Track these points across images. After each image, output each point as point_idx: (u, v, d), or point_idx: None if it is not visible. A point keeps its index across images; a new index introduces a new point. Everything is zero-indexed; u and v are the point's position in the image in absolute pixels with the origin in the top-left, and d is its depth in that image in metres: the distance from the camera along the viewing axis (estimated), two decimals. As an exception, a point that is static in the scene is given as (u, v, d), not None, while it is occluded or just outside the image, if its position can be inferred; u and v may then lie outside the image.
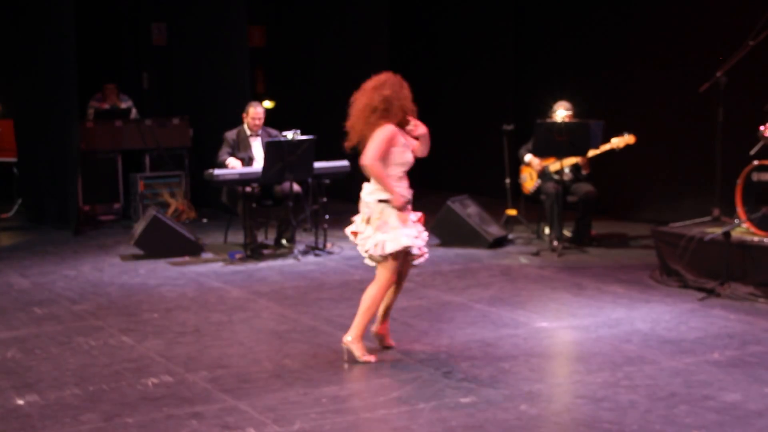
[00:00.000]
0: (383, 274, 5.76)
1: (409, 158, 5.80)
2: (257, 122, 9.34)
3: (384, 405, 5.01)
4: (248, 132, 9.37)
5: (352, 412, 4.90)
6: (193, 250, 9.15)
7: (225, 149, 9.27)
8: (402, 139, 5.78)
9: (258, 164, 9.07)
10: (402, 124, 5.78)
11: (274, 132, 9.41)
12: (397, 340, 6.15)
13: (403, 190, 5.76)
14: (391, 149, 5.72)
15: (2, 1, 11.27)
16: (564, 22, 11.51)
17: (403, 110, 5.76)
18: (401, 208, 5.71)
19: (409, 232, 5.74)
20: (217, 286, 7.91)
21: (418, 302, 7.21)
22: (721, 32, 9.26)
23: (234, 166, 9.06)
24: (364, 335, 5.83)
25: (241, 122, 9.44)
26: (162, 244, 9.03)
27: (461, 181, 12.46)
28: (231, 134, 9.36)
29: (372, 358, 5.75)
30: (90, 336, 6.42)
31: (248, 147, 9.32)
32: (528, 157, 9.42)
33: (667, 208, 9.93)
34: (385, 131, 5.69)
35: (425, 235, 5.90)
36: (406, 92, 5.79)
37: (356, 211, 5.83)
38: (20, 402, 5.15)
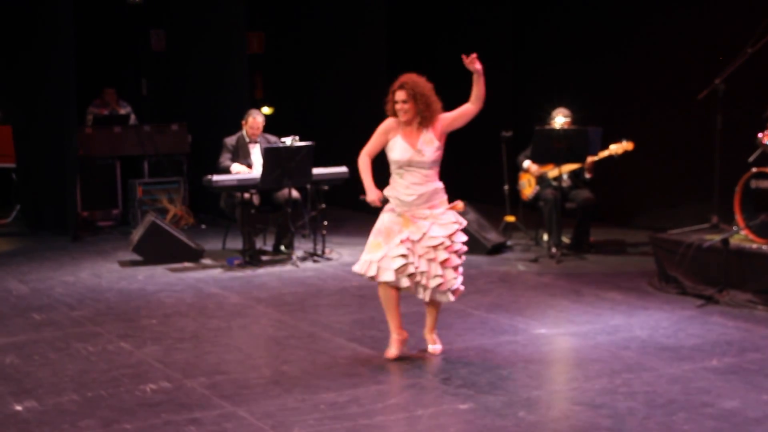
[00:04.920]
0: None
1: (399, 157, 5.79)
2: (256, 131, 9.34)
3: (382, 411, 5.01)
4: (247, 139, 9.38)
5: (351, 418, 4.90)
6: (191, 256, 9.15)
7: (226, 155, 9.27)
8: (400, 138, 5.81)
9: (257, 171, 9.07)
10: (422, 122, 5.83)
11: (272, 138, 9.41)
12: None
13: (397, 189, 5.84)
14: (386, 145, 5.87)
15: (2, 7, 11.27)
16: (562, 29, 11.52)
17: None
18: (371, 203, 5.91)
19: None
20: (216, 292, 7.91)
21: (416, 309, 7.18)
22: (720, 39, 9.27)
23: (240, 171, 9.06)
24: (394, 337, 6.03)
25: (240, 129, 9.45)
26: (161, 250, 9.03)
27: (460, 187, 12.45)
28: (231, 140, 9.37)
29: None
30: (88, 342, 6.42)
31: (248, 154, 9.32)
32: (526, 164, 9.43)
33: (665, 215, 9.94)
34: (383, 124, 5.94)
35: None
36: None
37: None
38: (18, 408, 5.14)
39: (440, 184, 5.92)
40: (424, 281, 5.80)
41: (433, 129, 5.83)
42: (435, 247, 5.75)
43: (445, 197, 5.93)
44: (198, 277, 8.47)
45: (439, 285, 5.80)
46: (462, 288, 5.97)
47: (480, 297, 7.57)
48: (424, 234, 5.75)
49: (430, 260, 5.77)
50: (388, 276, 5.74)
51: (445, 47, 13.13)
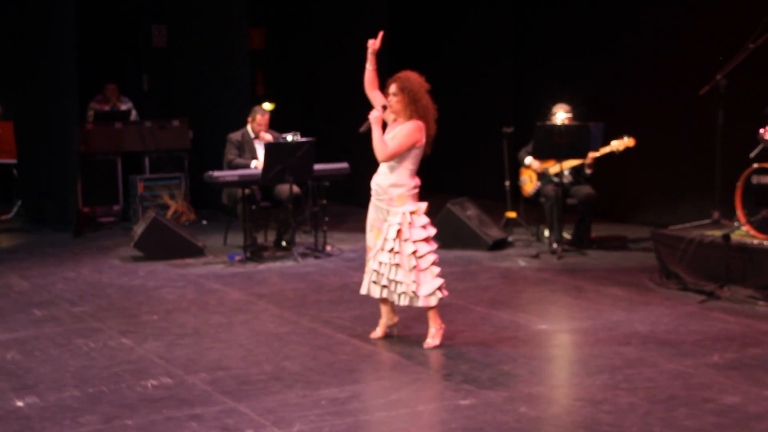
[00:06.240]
0: None
1: None
2: (263, 128, 9.36)
3: (383, 407, 5.01)
4: (252, 135, 9.38)
5: (352, 414, 4.90)
6: (192, 252, 9.15)
7: (233, 150, 9.28)
8: (390, 129, 6.09)
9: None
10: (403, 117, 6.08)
11: (274, 134, 9.41)
12: (397, 343, 6.17)
13: None
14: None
15: (3, 3, 11.27)
16: (564, 24, 11.51)
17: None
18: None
19: None
20: (217, 287, 7.91)
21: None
22: (721, 35, 9.26)
23: (257, 166, 9.06)
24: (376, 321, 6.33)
25: (244, 124, 9.44)
26: (162, 246, 9.03)
27: (461, 183, 12.47)
28: (235, 136, 9.38)
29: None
30: (89, 338, 6.42)
31: (253, 150, 9.33)
32: (528, 160, 9.42)
33: (666, 211, 9.94)
34: None
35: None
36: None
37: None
38: (19, 404, 5.15)
39: (404, 182, 5.96)
40: (392, 287, 5.98)
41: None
42: (391, 251, 5.92)
43: (407, 196, 5.96)
44: (199, 273, 8.47)
45: (403, 290, 5.94)
46: (436, 292, 5.97)
47: (481, 293, 7.57)
48: (385, 239, 5.94)
49: (390, 265, 5.93)
50: (362, 290, 6.15)
51: (447, 43, 13.14)
